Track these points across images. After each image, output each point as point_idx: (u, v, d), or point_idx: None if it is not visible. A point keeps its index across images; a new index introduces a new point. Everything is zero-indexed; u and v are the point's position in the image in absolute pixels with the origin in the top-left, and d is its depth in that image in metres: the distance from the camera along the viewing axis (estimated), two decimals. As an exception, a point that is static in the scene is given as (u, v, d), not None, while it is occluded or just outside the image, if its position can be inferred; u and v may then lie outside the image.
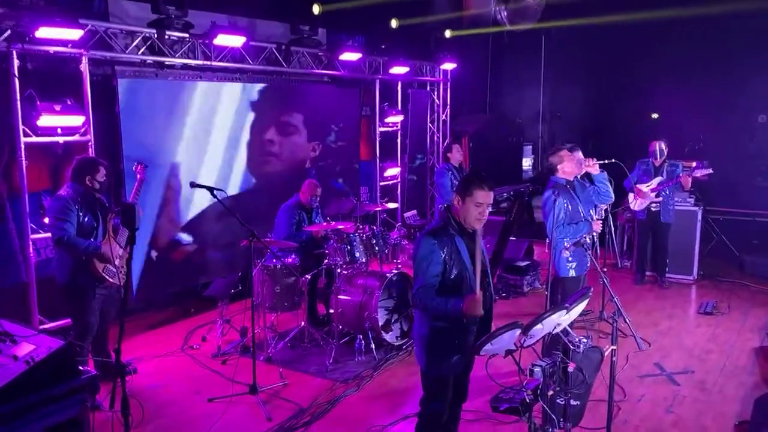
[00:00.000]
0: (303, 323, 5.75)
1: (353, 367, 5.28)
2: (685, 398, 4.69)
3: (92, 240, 4.51)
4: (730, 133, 9.91)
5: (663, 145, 7.23)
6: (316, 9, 7.42)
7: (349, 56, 7.99)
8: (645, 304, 6.92)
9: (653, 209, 7.29)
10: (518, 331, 2.68)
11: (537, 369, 2.71)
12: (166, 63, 6.34)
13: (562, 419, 2.99)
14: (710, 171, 7.18)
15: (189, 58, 6.53)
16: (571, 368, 2.80)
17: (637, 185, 7.19)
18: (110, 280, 4.55)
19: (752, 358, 5.42)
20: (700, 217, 7.68)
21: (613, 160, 5.11)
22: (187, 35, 6.30)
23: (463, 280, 3.12)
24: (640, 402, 4.62)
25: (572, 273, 4.79)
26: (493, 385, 4.58)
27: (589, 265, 4.88)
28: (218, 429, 4.30)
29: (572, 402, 3.00)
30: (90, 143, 5.65)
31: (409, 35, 9.05)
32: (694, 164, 7.71)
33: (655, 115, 11.04)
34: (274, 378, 4.99)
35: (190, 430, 4.33)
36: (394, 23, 8.46)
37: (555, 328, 2.87)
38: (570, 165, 4.76)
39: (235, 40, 6.57)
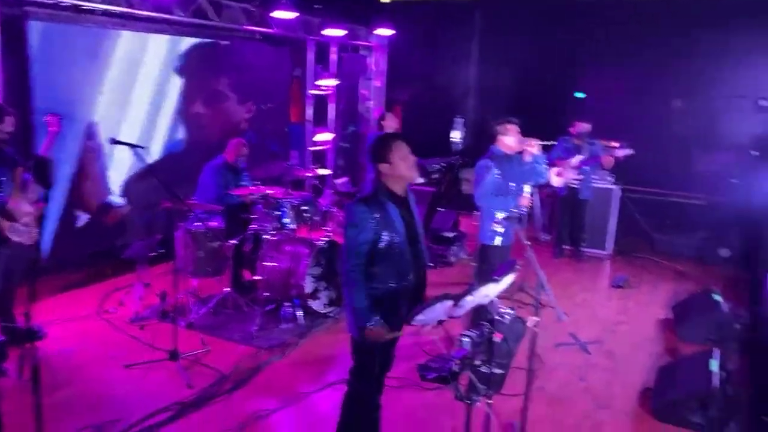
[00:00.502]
0: (227, 289, 5.61)
1: (278, 334, 5.22)
2: (595, 367, 4.95)
3: None
4: (647, 115, 10.40)
5: (588, 127, 7.49)
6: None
7: (283, 14, 7.68)
8: (563, 277, 7.22)
9: (573, 185, 7.55)
10: (450, 302, 2.70)
11: (466, 339, 2.75)
12: (84, 7, 5.88)
13: (485, 387, 3.07)
14: (631, 152, 7.50)
15: (110, 4, 6.08)
16: (497, 339, 2.87)
17: (559, 161, 7.41)
18: (15, 239, 4.21)
19: (658, 330, 5.78)
20: (617, 195, 8.05)
21: (554, 143, 5.21)
22: (108, -22, 5.86)
23: (395, 248, 3.10)
24: (555, 370, 4.83)
25: (497, 242, 4.88)
26: (416, 352, 4.73)
27: (513, 237, 5.01)
28: (136, 396, 4.16)
29: (495, 371, 3.08)
30: (-3, 89, 5.19)
31: (346, -3, 8.85)
32: (616, 144, 8.03)
33: (580, 95, 11.42)
34: (195, 344, 4.86)
35: (105, 397, 4.16)
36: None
37: (484, 299, 2.92)
38: (512, 139, 4.81)
39: (162, -12, 6.18)
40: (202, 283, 5.80)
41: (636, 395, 4.50)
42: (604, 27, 10.22)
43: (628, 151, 7.45)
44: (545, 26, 10.68)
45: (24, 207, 4.22)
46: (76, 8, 5.83)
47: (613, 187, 8.02)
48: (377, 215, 3.05)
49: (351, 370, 3.31)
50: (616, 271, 7.47)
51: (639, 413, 4.26)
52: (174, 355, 4.52)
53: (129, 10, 6.22)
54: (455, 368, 2.73)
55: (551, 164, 7.42)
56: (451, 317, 2.89)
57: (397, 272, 3.12)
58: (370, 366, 3.19)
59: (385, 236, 3.06)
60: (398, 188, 3.19)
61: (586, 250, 7.92)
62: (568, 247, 8.04)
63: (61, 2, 5.70)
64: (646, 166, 9.45)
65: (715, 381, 3.99)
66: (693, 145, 10.44)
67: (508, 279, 2.97)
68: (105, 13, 6.15)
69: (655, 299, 6.59)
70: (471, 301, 2.81)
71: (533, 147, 4.87)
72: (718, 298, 5.55)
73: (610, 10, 9.89)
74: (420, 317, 2.70)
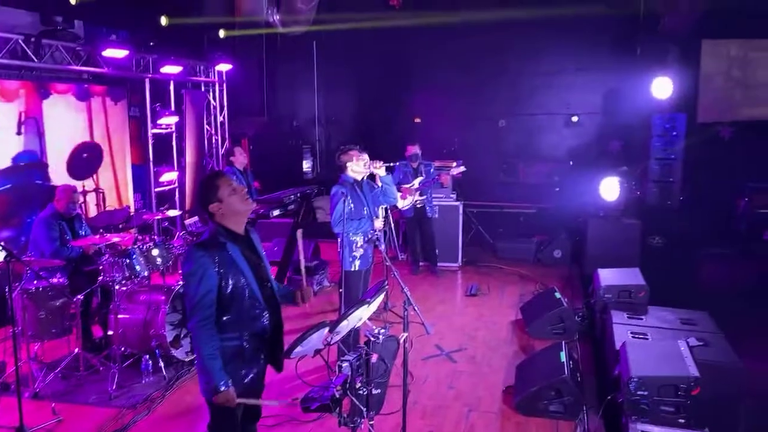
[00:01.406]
0: (77, 350, 5.14)
1: (141, 389, 4.88)
2: (462, 373, 5.25)
3: None
4: (479, 136, 11.38)
5: (417, 149, 7.92)
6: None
7: (114, 53, 7.32)
8: (421, 291, 7.57)
9: (418, 206, 7.95)
10: (326, 330, 2.75)
11: (345, 364, 2.81)
12: None
13: (365, 409, 3.15)
14: (463, 169, 8.15)
15: None
16: (374, 359, 2.97)
17: (402, 186, 7.71)
18: None
19: (510, 330, 6.28)
20: (461, 210, 8.64)
21: (395, 164, 5.46)
22: None
23: (243, 291, 2.91)
24: (425, 383, 5.06)
25: (356, 267, 5.02)
26: (287, 388, 4.69)
27: (371, 260, 5.19)
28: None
29: (374, 391, 3.17)
30: None
31: (181, 34, 8.61)
32: (454, 164, 8.64)
33: (417, 120, 12.15)
34: (45, 416, 4.39)
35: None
36: (164, 20, 7.97)
37: (358, 322, 3.01)
38: (359, 165, 4.98)
39: (-30, 28, 5.61)
40: (46, 347, 5.26)
41: (500, 394, 4.85)
42: (435, 54, 11.07)
43: (461, 169, 8.11)
44: (380, 56, 11.29)
45: None
46: None
47: (457, 203, 8.59)
48: (217, 259, 2.85)
49: (209, 426, 3.09)
50: (468, 281, 7.98)
51: (505, 411, 4.59)
52: (21, 431, 4.04)
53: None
54: (336, 394, 2.78)
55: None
56: (328, 344, 2.94)
57: (250, 316, 2.94)
58: (230, 423, 3.01)
59: (230, 280, 2.87)
60: (237, 226, 3.00)
61: (439, 264, 8.37)
62: (423, 263, 8.43)
63: None
64: (482, 181, 10.31)
65: (566, 370, 4.43)
66: (519, 159, 11.61)
67: (379, 299, 3.09)
68: None
69: (504, 303, 7.15)
70: (346, 325, 2.89)
71: (378, 168, 5.04)
72: (558, 295, 6.17)
73: (439, 37, 10.70)
74: (298, 349, 2.72)
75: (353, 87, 12.24)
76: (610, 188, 7.84)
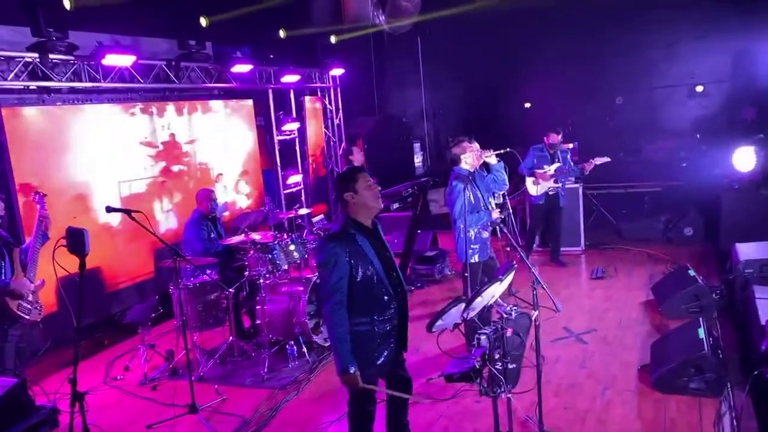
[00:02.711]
0: (231, 338, 5.72)
1: (288, 373, 5.34)
2: (593, 353, 5.23)
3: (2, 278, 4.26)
4: (594, 115, 11.01)
5: (559, 138, 7.70)
6: (203, 21, 7.35)
7: (241, 68, 7.99)
8: (544, 275, 7.45)
9: (550, 193, 7.74)
10: (463, 305, 2.94)
11: (483, 337, 2.98)
12: (51, 87, 6.03)
13: (503, 381, 3.29)
14: (608, 159, 7.72)
15: (75, 81, 6.25)
16: (509, 333, 3.11)
17: (536, 170, 7.63)
18: (26, 317, 4.31)
19: (642, 310, 6.12)
20: (581, 193, 8.46)
21: (508, 150, 5.50)
22: (71, 57, 6.04)
23: (372, 279, 3.13)
24: (557, 363, 5.10)
25: (475, 259, 5.10)
26: (423, 368, 4.92)
27: (490, 250, 5.26)
28: (165, 452, 4.23)
29: (510, 365, 3.31)
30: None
31: (296, 44, 9.19)
32: (571, 146, 8.47)
33: (527, 104, 11.99)
34: (210, 396, 4.94)
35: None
36: (282, 33, 8.54)
37: (492, 298, 3.17)
38: (471, 156, 5.03)
39: (125, 60, 6.38)
40: (203, 336, 5.89)
41: (635, 373, 4.78)
42: (541, 35, 10.82)
43: (605, 159, 7.69)
44: (483, 44, 11.24)
45: (27, 285, 4.32)
46: (44, 90, 5.98)
47: (576, 185, 8.42)
48: (348, 249, 3.08)
49: (348, 402, 3.40)
50: (593, 264, 7.83)
51: (641, 388, 4.53)
52: (193, 409, 4.60)
53: (94, 84, 6.40)
54: (477, 365, 2.95)
55: (527, 174, 7.73)
56: (464, 320, 3.12)
57: (379, 303, 3.16)
58: (365, 402, 3.30)
59: (360, 269, 3.09)
60: (365, 220, 3.23)
61: (562, 249, 8.23)
62: (540, 249, 8.32)
63: (28, 86, 5.84)
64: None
65: (706, 346, 4.30)
66: (640, 137, 11.09)
67: (510, 277, 3.23)
68: (71, 90, 6.32)
69: (632, 284, 6.96)
70: (481, 302, 3.05)
71: (489, 156, 5.05)
72: (692, 273, 5.93)
73: (545, 18, 10.47)
74: (439, 323, 2.92)
75: (458, 78, 12.27)
76: (744, 158, 7.36)
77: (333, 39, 9.71)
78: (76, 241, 2.78)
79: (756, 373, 4.13)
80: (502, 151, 5.23)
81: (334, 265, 3.06)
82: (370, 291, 3.14)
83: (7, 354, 4.31)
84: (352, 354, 3.07)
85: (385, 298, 3.19)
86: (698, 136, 10.47)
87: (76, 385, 2.69)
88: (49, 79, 5.93)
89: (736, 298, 5.63)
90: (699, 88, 10.63)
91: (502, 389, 3.13)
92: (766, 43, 8.43)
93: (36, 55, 5.74)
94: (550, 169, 7.63)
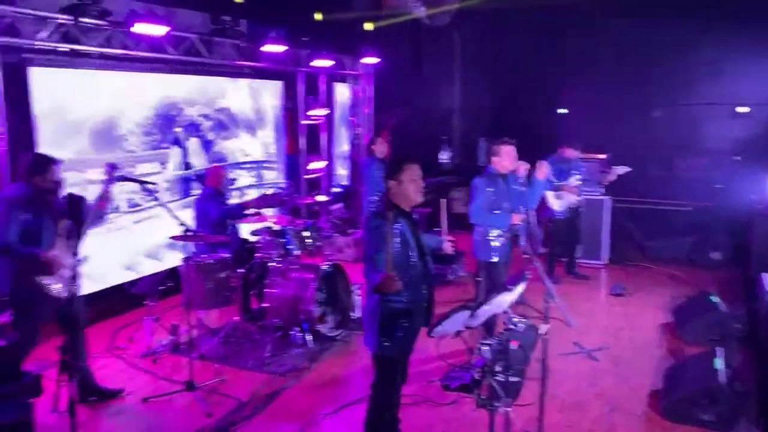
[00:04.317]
0: (236, 318, 5.68)
1: (291, 359, 5.28)
2: (604, 372, 5.06)
3: (37, 247, 3.99)
4: (629, 127, 10.69)
5: (577, 154, 7.43)
6: (238, -2, 7.29)
7: (273, 48, 7.89)
8: (561, 288, 7.31)
9: (572, 206, 7.47)
10: (467, 313, 2.82)
11: (485, 348, 2.86)
12: (82, 51, 6.02)
13: (503, 395, 3.17)
14: (629, 169, 7.51)
15: (106, 46, 6.23)
16: (514, 346, 2.98)
17: (564, 185, 7.29)
18: (54, 292, 4.07)
19: (659, 333, 5.92)
20: (608, 205, 8.22)
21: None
22: (104, 23, 6.00)
23: (409, 261, 3.27)
24: (564, 378, 4.93)
25: (495, 259, 5.00)
26: (425, 370, 4.81)
27: (510, 253, 5.12)
28: (157, 427, 4.20)
29: (512, 378, 3.18)
30: (3, 135, 5.27)
31: (332, 28, 9.07)
32: (602, 156, 8.23)
33: (562, 110, 11.72)
34: (209, 374, 4.90)
35: (127, 429, 4.20)
36: (317, 16, 8.43)
37: (499, 308, 3.04)
38: (508, 159, 4.90)
39: (157, 29, 6.31)
40: (210, 314, 5.85)
41: (645, 397, 4.61)
42: (582, 43, 10.55)
43: (625, 169, 7.47)
44: (525, 44, 11.01)
45: (65, 258, 4.11)
46: (74, 53, 5.97)
47: (604, 198, 8.18)
48: (391, 229, 3.17)
49: (373, 385, 3.39)
50: (613, 280, 7.61)
51: (650, 414, 4.36)
52: (190, 386, 4.57)
53: (124, 51, 6.38)
54: (476, 376, 2.83)
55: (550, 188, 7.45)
56: (468, 327, 3.01)
57: (413, 284, 3.26)
58: (391, 379, 3.29)
59: (400, 249, 3.22)
60: (404, 205, 3.38)
61: (581, 261, 8.03)
62: (562, 260, 8.10)
63: (58, 47, 5.83)
64: (632, 175, 9.69)
65: (722, 378, 4.11)
66: (675, 153, 10.75)
67: (520, 288, 3.10)
68: (101, 55, 6.30)
69: (652, 304, 6.74)
70: (487, 310, 2.93)
71: (541, 172, 4.92)
72: (715, 299, 5.71)
73: (586, 26, 10.21)
74: (440, 328, 2.81)
75: (493, 77, 12.02)
76: (782, 185, 7.07)
77: (368, 26, 9.57)
78: (76, 207, 2.73)
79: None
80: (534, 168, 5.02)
81: (377, 237, 3.15)
82: (406, 271, 3.23)
83: (34, 323, 4.14)
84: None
85: (419, 280, 3.33)
86: (739, 157, 10.11)
87: (67, 354, 2.63)
88: (80, 43, 5.91)
89: (760, 329, 5.40)
90: (743, 109, 10.25)
91: (501, 403, 3.00)
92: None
93: (69, 17, 5.72)
94: (571, 181, 7.36)
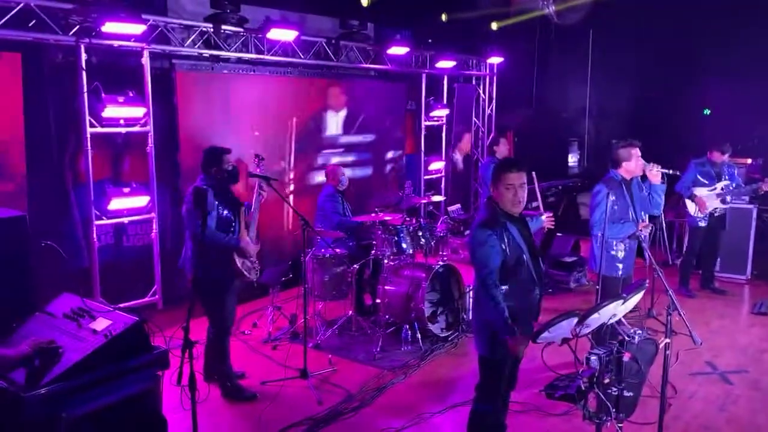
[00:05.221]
0: (350, 312, 5.86)
1: (400, 356, 5.36)
2: (739, 397, 4.61)
3: (231, 235, 4.38)
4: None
5: (726, 158, 6.86)
6: (364, 1, 7.50)
7: (397, 50, 8.05)
8: (696, 302, 6.78)
9: (716, 214, 6.87)
10: (575, 320, 2.70)
11: (593, 357, 2.73)
12: (221, 56, 6.53)
13: (614, 409, 3.00)
14: None
15: (242, 52, 6.71)
16: (626, 358, 2.81)
17: (696, 191, 6.79)
18: (247, 275, 4.48)
19: (809, 359, 5.28)
20: (754, 215, 7.45)
21: (678, 173, 4.91)
22: (241, 29, 6.47)
23: (522, 264, 3.22)
24: (692, 399, 4.57)
25: (616, 273, 4.66)
26: (538, 378, 4.66)
27: (633, 265, 4.78)
28: (272, 409, 4.43)
29: (625, 393, 3.00)
30: (150, 133, 5.87)
31: (457, 29, 9.06)
32: (748, 161, 7.48)
33: (707, 111, 10.79)
34: (323, 364, 5.11)
35: (245, 409, 4.49)
36: (443, 17, 8.47)
37: (610, 318, 2.88)
38: (634, 163, 4.57)
39: (288, 35, 6.70)
40: (326, 306, 6.10)
41: (786, 429, 4.14)
42: (730, 37, 9.63)
43: None
44: (663, 41, 10.25)
45: (251, 245, 4.53)
46: (215, 58, 6.49)
47: (750, 206, 7.42)
48: (499, 234, 3.16)
49: (477, 387, 3.37)
50: (757, 297, 6.89)
51: (791, 448, 3.92)
52: (304, 374, 4.78)
53: (259, 56, 6.83)
54: (583, 387, 2.71)
55: (686, 194, 6.89)
56: (576, 336, 2.88)
57: (524, 288, 3.22)
58: (496, 382, 3.24)
59: (511, 253, 3.16)
60: (510, 210, 3.29)
61: (720, 275, 7.36)
62: (697, 272, 7.44)
63: (202, 53, 6.37)
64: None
65: None
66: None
67: (636, 298, 2.91)
68: (238, 60, 6.79)
69: (804, 327, 6.02)
70: (597, 319, 2.79)
71: (654, 176, 4.58)
72: None
73: (732, 18, 9.30)
74: (545, 335, 2.72)
75: (630, 76, 11.30)
76: None
77: (494, 25, 9.44)
78: (201, 199, 2.97)
79: None
80: (669, 171, 4.68)
81: (489, 250, 3.13)
82: (518, 276, 3.21)
83: (229, 307, 4.54)
84: (510, 321, 3.10)
85: (531, 284, 3.29)
86: None
87: (188, 333, 2.87)
88: (220, 48, 6.42)
89: None
90: None
91: (611, 417, 2.84)
92: None
93: (210, 25, 6.23)
94: (716, 188, 6.78)
